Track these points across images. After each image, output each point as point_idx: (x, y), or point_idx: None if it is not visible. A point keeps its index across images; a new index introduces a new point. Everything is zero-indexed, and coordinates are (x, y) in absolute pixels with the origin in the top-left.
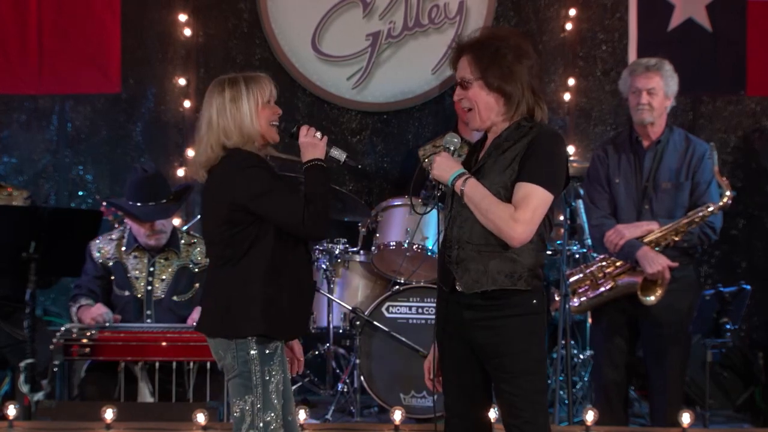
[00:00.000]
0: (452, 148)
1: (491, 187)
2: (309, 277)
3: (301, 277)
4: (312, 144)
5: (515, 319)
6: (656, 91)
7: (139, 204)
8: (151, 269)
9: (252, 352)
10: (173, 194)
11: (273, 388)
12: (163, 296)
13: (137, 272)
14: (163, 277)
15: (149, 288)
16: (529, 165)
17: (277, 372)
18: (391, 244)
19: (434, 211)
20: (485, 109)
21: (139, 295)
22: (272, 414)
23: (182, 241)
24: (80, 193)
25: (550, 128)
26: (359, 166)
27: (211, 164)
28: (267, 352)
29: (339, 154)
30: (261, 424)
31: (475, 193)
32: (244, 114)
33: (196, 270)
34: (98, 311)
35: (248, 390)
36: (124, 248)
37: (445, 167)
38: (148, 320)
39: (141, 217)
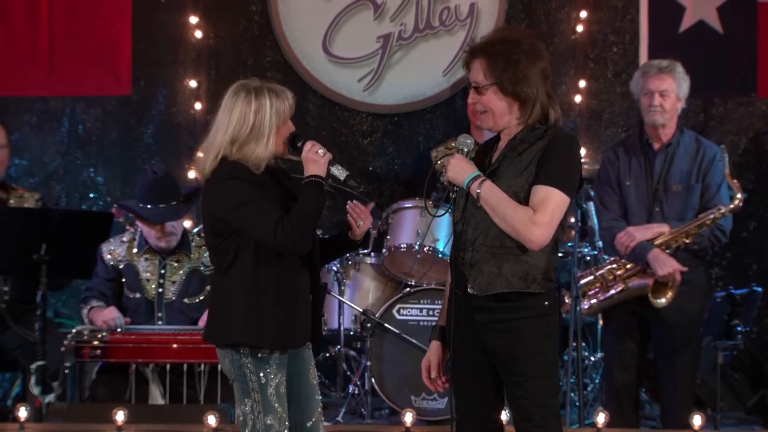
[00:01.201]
0: (466, 150)
1: (508, 190)
2: (303, 286)
3: (291, 287)
4: (312, 160)
5: (528, 321)
6: (668, 93)
7: (149, 206)
8: (162, 271)
9: (244, 357)
10: (183, 196)
11: (272, 391)
12: (174, 298)
13: (148, 274)
14: (174, 279)
15: (160, 290)
16: (546, 168)
17: (275, 376)
18: (402, 246)
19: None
20: (500, 113)
21: (150, 298)
22: (273, 417)
23: (193, 243)
24: (91, 195)
25: (565, 131)
26: (356, 185)
27: (208, 172)
28: (259, 356)
29: (339, 172)
30: (262, 428)
31: (492, 195)
32: (264, 132)
33: (208, 272)
34: (110, 314)
35: (246, 394)
36: (135, 250)
37: (459, 169)
38: (159, 322)
39: (151, 219)
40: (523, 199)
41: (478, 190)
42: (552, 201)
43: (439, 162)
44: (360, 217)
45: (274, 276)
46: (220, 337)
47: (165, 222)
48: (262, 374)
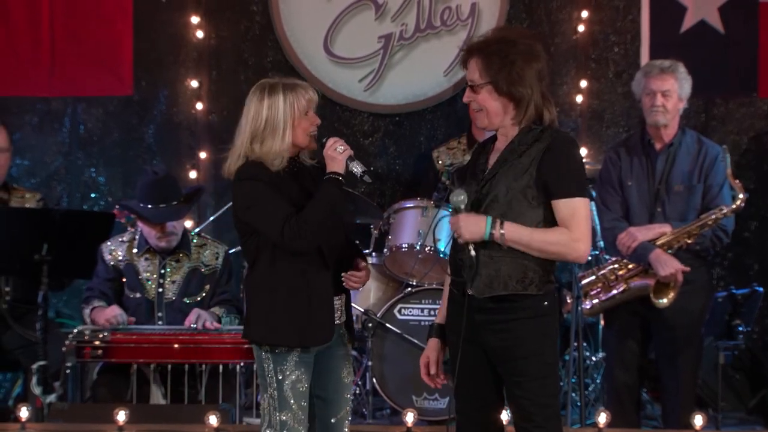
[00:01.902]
0: (462, 207)
1: (509, 193)
2: (320, 285)
3: (305, 287)
4: (331, 157)
5: (527, 322)
6: (670, 93)
7: (150, 206)
8: (162, 271)
9: (265, 353)
10: (184, 196)
11: (288, 387)
12: (174, 298)
13: (148, 274)
14: (174, 278)
15: (160, 290)
16: (561, 179)
17: (292, 373)
18: (403, 246)
19: (446, 213)
20: (494, 113)
21: (150, 297)
22: (288, 414)
23: (193, 243)
24: (92, 195)
25: (564, 133)
26: (370, 181)
27: (232, 173)
28: (277, 352)
29: (357, 168)
30: (277, 424)
31: (520, 234)
32: (278, 126)
33: (207, 272)
34: (113, 312)
35: (265, 389)
36: (135, 250)
37: (473, 227)
38: (160, 322)
39: (152, 219)
40: (524, 200)
41: (502, 231)
42: (580, 211)
43: (449, 215)
44: (357, 285)
45: (289, 275)
46: (246, 333)
47: (166, 222)
48: (279, 370)
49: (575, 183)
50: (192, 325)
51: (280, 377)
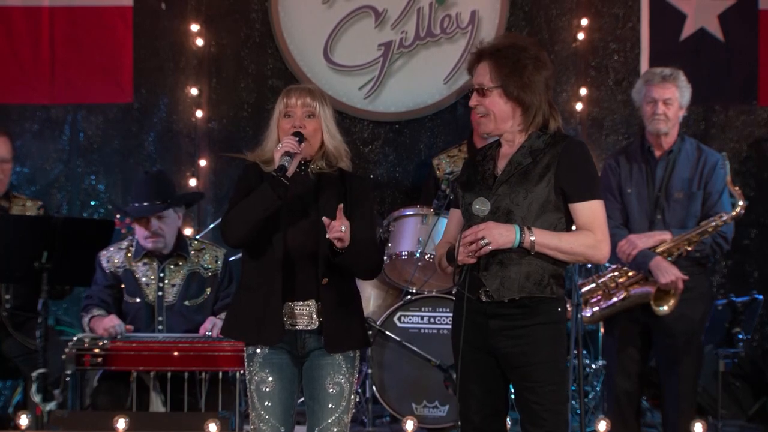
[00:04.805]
0: (484, 215)
1: (529, 196)
2: (270, 282)
3: (261, 283)
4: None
5: (543, 328)
6: (672, 102)
7: (136, 204)
8: (162, 275)
9: (245, 353)
10: (174, 198)
11: (253, 388)
12: (174, 302)
13: (147, 278)
14: (174, 282)
15: (160, 293)
16: (579, 183)
17: (256, 373)
18: (403, 253)
19: (445, 220)
20: (501, 117)
21: (150, 301)
22: (254, 413)
23: (191, 248)
24: (92, 202)
25: (575, 138)
26: (278, 175)
27: None
28: (248, 353)
29: (279, 163)
30: (251, 423)
31: (550, 239)
32: (271, 127)
33: (208, 275)
34: (111, 323)
35: None
36: (131, 255)
37: (504, 234)
38: (160, 326)
39: (130, 213)
40: (544, 204)
41: (532, 238)
42: (599, 214)
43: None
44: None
45: (249, 272)
46: None
47: (141, 216)
48: (248, 370)
49: (593, 186)
50: (207, 333)
51: (249, 377)
